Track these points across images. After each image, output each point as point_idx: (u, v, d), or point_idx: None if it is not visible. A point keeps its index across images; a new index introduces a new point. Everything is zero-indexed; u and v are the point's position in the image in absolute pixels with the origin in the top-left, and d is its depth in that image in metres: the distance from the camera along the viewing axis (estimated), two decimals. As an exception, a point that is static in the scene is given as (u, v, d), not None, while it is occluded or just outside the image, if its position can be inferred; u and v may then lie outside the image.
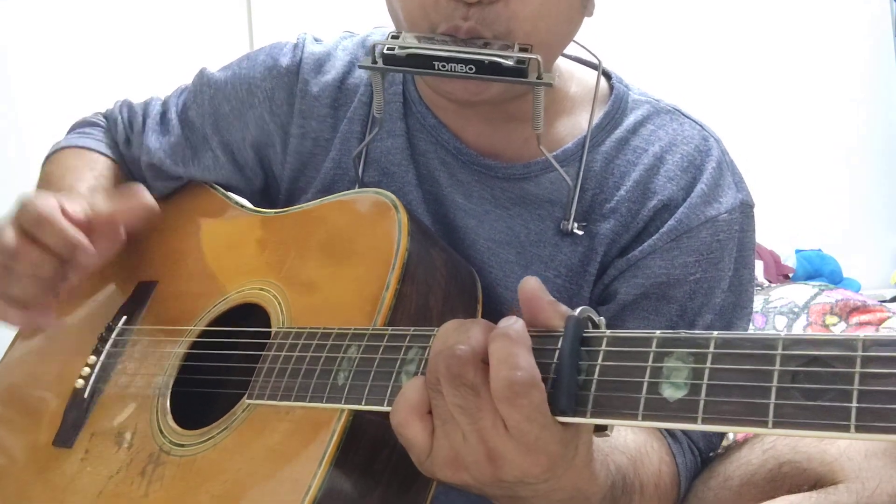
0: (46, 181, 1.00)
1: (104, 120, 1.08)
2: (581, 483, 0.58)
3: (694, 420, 0.46)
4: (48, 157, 1.05)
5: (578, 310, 0.54)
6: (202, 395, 0.82)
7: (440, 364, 0.53)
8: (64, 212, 0.78)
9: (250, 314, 0.83)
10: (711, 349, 0.48)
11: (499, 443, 0.53)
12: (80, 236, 0.78)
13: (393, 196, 0.78)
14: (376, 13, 0.88)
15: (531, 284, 0.56)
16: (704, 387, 0.47)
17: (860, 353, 0.43)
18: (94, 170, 1.00)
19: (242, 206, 0.96)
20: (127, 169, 1.04)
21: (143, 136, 1.01)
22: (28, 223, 0.77)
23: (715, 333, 0.48)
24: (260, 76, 0.94)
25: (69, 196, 0.82)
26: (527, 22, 0.73)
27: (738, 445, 0.84)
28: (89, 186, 0.96)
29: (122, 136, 1.03)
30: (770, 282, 2.38)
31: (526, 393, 0.51)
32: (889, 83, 3.00)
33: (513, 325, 0.53)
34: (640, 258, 0.83)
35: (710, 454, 0.86)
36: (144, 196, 0.83)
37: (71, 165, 1.00)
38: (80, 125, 1.08)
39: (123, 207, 0.83)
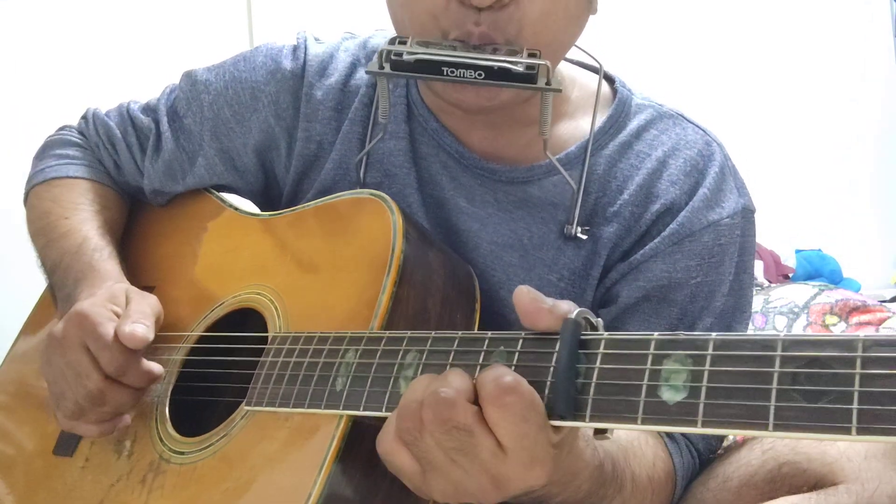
0: (45, 221, 0.96)
1: (81, 137, 1.04)
2: (567, 463, 0.59)
3: (694, 423, 0.46)
4: (35, 189, 1.01)
5: (575, 312, 0.54)
6: (201, 401, 0.82)
7: (426, 413, 0.53)
8: (132, 338, 0.77)
9: (247, 318, 0.83)
10: (710, 351, 0.47)
11: (502, 468, 0.53)
12: (159, 369, 0.79)
13: (388, 198, 0.77)
14: (376, 14, 0.87)
15: (525, 295, 0.55)
16: (704, 389, 0.46)
17: (860, 353, 0.42)
18: (94, 203, 0.98)
19: (238, 209, 0.95)
20: (120, 189, 1.03)
21: (138, 163, 0.99)
22: (112, 368, 0.76)
23: (713, 335, 0.48)
24: (263, 80, 0.92)
25: (126, 311, 0.80)
26: (536, 24, 0.72)
27: (737, 446, 0.84)
28: (106, 248, 0.93)
29: (109, 162, 1.01)
30: (770, 282, 2.38)
31: (533, 407, 0.52)
32: (889, 83, 3.00)
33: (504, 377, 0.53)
34: (642, 261, 0.83)
35: (710, 455, 0.86)
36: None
37: (69, 203, 0.97)
38: (59, 146, 1.04)
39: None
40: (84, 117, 1.05)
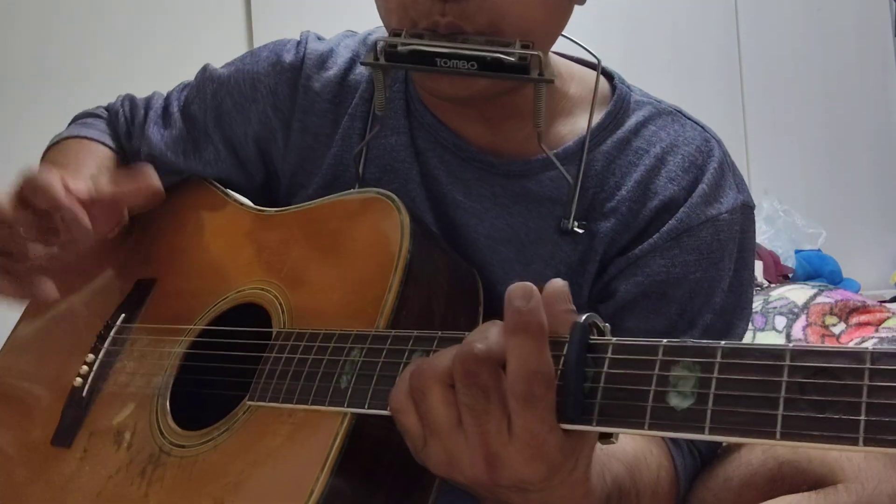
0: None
1: (106, 112, 1.08)
2: (577, 498, 0.57)
3: (701, 430, 0.46)
4: (50, 147, 1.05)
5: (584, 316, 0.54)
6: (202, 395, 0.82)
7: (456, 362, 0.53)
8: (65, 184, 0.78)
9: (250, 314, 0.83)
10: (718, 359, 0.47)
11: (500, 448, 0.52)
12: (75, 205, 0.78)
13: (395, 196, 0.77)
14: (376, 15, 0.88)
15: (558, 287, 0.54)
16: (711, 396, 0.46)
17: (868, 365, 0.43)
18: (97, 158, 1.00)
19: (242, 203, 0.95)
20: (127, 162, 1.04)
21: (144, 129, 1.01)
22: (25, 189, 0.77)
23: (722, 343, 0.48)
24: (263, 71, 0.94)
25: (73, 174, 0.82)
26: (509, 14, 0.73)
27: (737, 446, 0.84)
28: (92, 172, 0.96)
29: (123, 128, 1.03)
30: (770, 282, 2.38)
31: (544, 394, 0.51)
32: (889, 83, 3.00)
33: (532, 313, 0.51)
34: (640, 257, 0.83)
35: (711, 455, 0.86)
36: (151, 177, 0.82)
37: (73, 154, 1.00)
38: (83, 116, 1.09)
39: (128, 188, 0.83)
40: (119, 97, 1.09)
